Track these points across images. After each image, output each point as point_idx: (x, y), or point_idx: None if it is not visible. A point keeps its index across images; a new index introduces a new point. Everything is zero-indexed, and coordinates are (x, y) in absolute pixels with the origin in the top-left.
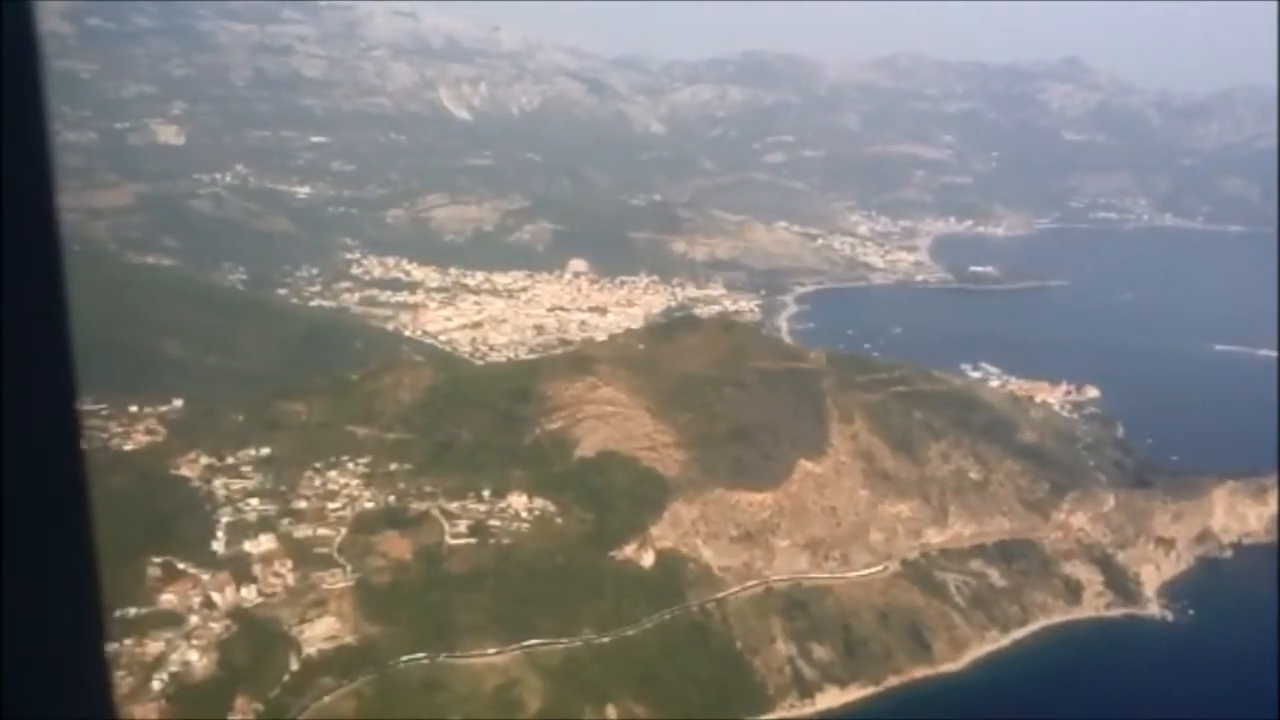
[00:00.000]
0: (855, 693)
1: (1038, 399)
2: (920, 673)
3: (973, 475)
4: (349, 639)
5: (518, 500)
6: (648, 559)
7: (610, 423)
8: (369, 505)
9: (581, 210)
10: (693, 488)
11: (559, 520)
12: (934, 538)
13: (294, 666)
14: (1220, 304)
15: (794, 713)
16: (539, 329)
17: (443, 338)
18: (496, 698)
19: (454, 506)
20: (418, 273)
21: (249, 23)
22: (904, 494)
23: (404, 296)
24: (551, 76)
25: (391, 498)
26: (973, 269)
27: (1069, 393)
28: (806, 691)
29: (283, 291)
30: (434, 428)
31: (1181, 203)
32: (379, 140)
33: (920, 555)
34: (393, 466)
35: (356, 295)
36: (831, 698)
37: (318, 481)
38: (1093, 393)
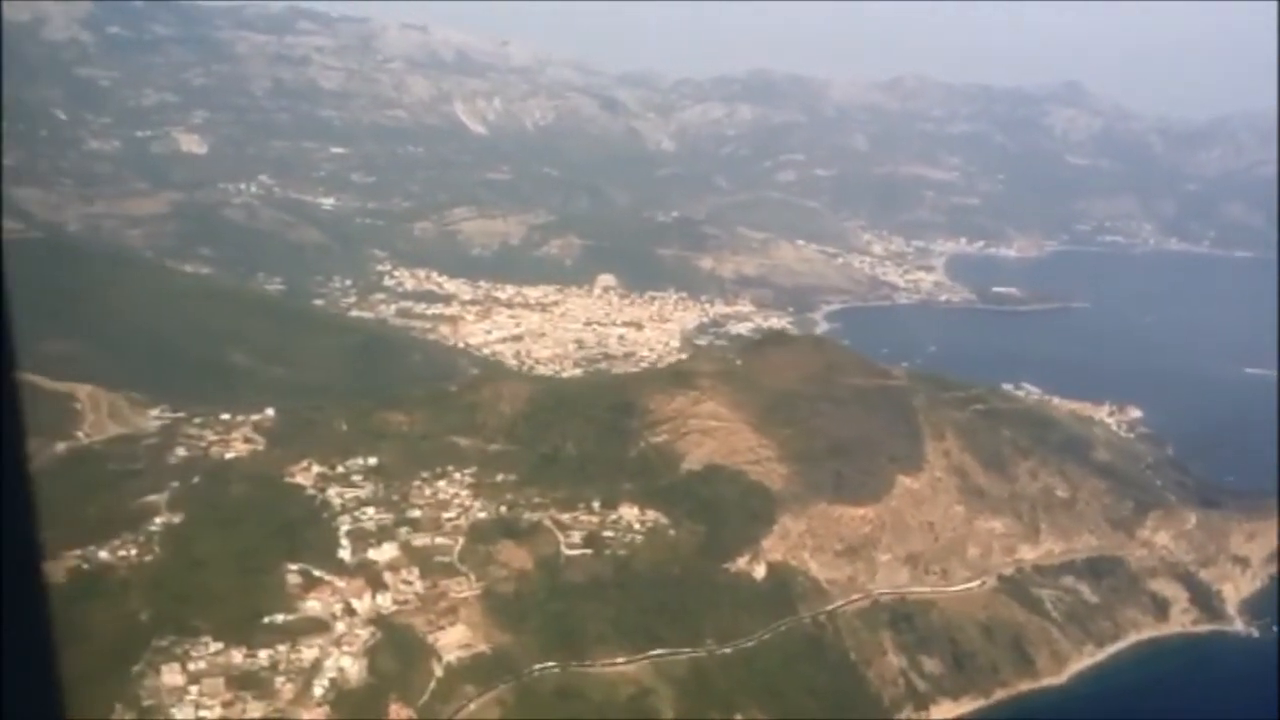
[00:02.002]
0: (967, 705)
1: (1097, 419)
2: (1025, 686)
3: (1060, 493)
4: (482, 647)
5: (629, 512)
6: (759, 571)
7: (715, 436)
8: (482, 515)
9: (606, 225)
10: (798, 502)
11: (671, 532)
12: (1027, 554)
13: (438, 673)
14: (1238, 328)
15: None
16: (579, 343)
17: (485, 350)
18: (631, 706)
19: (566, 517)
20: (449, 285)
21: (266, 33)
22: (997, 510)
23: (439, 309)
24: (563, 92)
25: (503, 508)
26: (995, 290)
27: (1112, 413)
28: (921, 704)
29: (319, 302)
30: (537, 439)
31: (1186, 227)
32: (397, 152)
33: (1015, 571)
34: (499, 477)
35: (392, 307)
36: (945, 710)
37: (428, 491)
38: (1135, 413)
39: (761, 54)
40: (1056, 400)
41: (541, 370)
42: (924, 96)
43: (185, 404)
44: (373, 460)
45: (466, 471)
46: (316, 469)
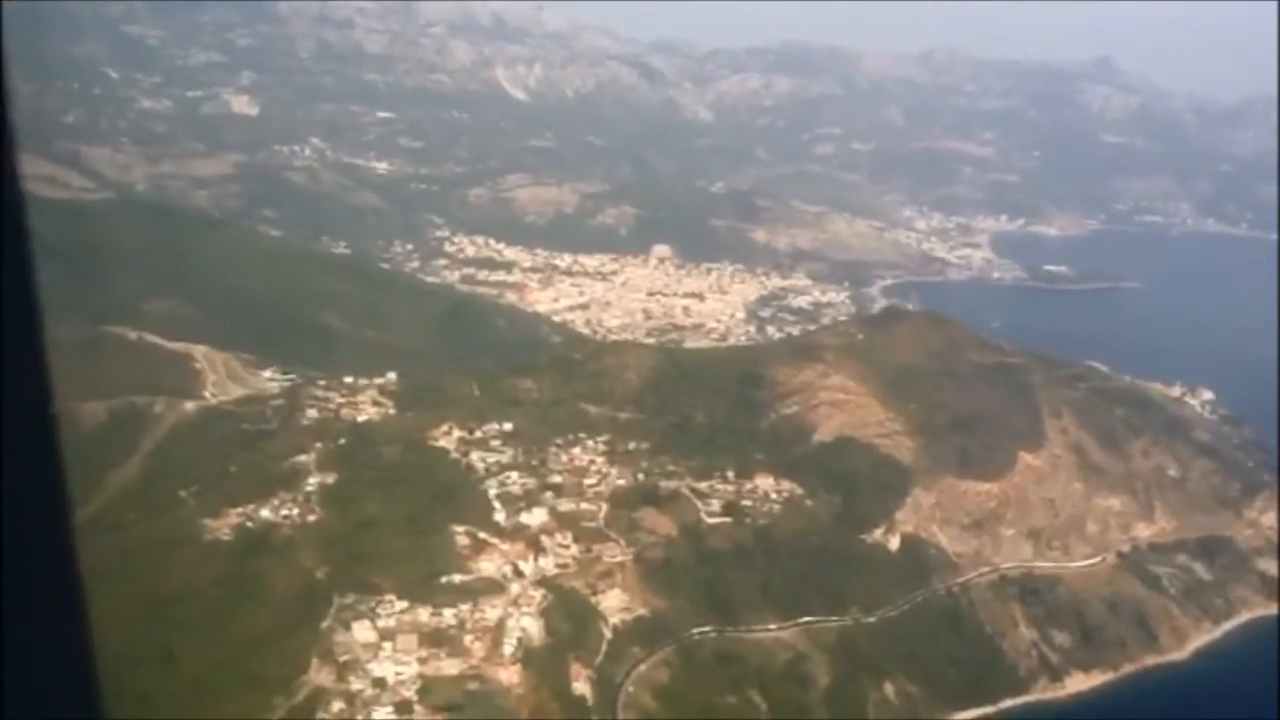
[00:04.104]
0: (1098, 678)
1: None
2: (1150, 660)
3: (1171, 472)
4: (642, 610)
5: (764, 482)
6: (894, 542)
7: (844, 409)
8: (620, 482)
9: (658, 195)
10: (927, 475)
11: (808, 503)
12: (1142, 531)
13: (608, 635)
14: None
15: (1048, 695)
16: (646, 313)
17: (555, 318)
18: (788, 671)
19: (703, 486)
20: (508, 253)
21: None
22: (1114, 488)
23: (502, 276)
24: (601, 60)
25: (639, 475)
26: (1047, 268)
27: (1184, 393)
28: (1055, 676)
29: (385, 266)
30: (666, 409)
31: (1223, 208)
32: (442, 118)
33: (1132, 548)
34: (631, 445)
35: (456, 273)
36: (1079, 681)
37: (564, 457)
38: (1206, 394)
39: (783, 23)
40: (1126, 380)
41: (614, 339)
42: (955, 71)
43: (292, 365)
44: (508, 426)
45: (599, 439)
46: (457, 433)
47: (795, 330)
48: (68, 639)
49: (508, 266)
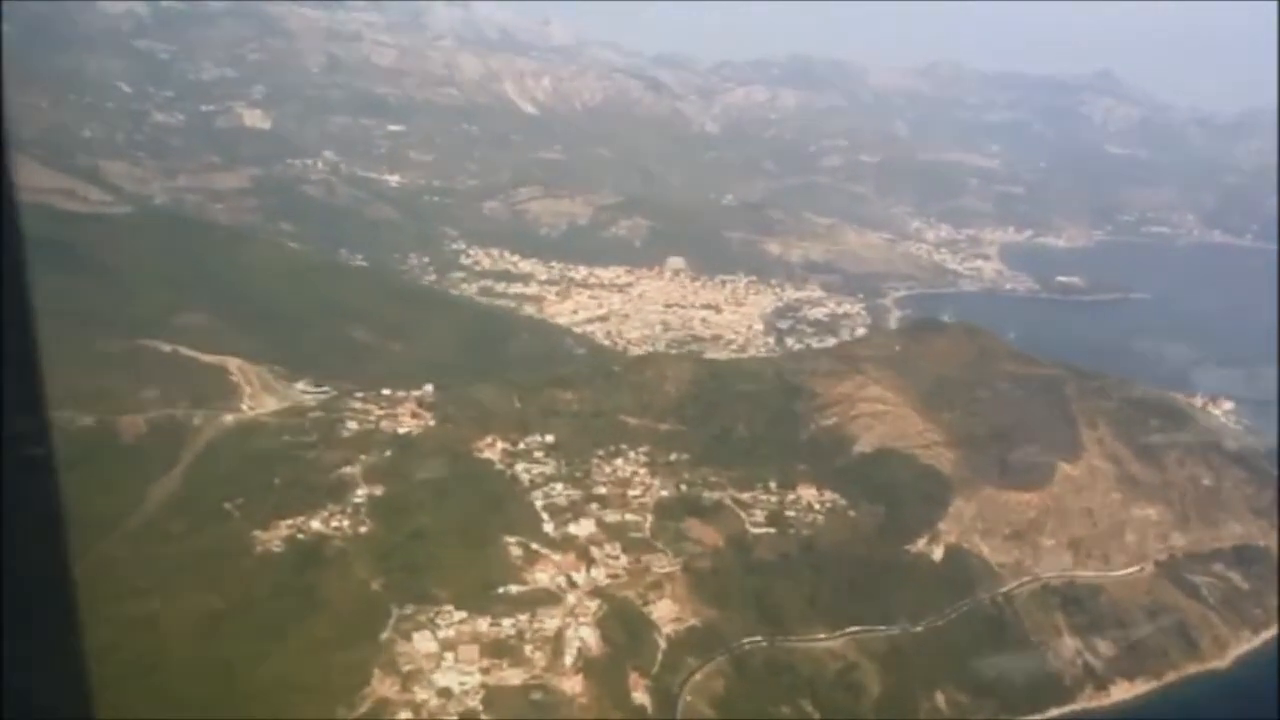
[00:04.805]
0: (1141, 686)
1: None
2: (1192, 669)
3: (1205, 482)
4: (693, 621)
5: (807, 492)
6: (938, 553)
7: (883, 420)
8: (664, 493)
9: (671, 207)
10: (967, 486)
11: (851, 513)
12: (1179, 541)
13: (662, 645)
14: None
15: (1094, 703)
16: (665, 325)
17: (576, 330)
18: (839, 681)
19: (746, 497)
20: (524, 265)
21: (318, 8)
22: (1150, 498)
23: (519, 288)
24: (609, 73)
25: (682, 486)
26: (1059, 279)
27: (1206, 404)
28: (1100, 685)
29: (404, 278)
30: (706, 420)
31: (1228, 220)
32: (453, 130)
33: (1169, 557)
34: (672, 456)
35: (474, 286)
36: (1123, 690)
37: (607, 469)
38: (1228, 405)
39: (782, 27)
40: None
41: (634, 350)
42: (960, 84)
43: (323, 378)
44: (549, 437)
45: (641, 450)
46: (501, 445)
47: (814, 342)
48: (61, 642)
49: (524, 279)
